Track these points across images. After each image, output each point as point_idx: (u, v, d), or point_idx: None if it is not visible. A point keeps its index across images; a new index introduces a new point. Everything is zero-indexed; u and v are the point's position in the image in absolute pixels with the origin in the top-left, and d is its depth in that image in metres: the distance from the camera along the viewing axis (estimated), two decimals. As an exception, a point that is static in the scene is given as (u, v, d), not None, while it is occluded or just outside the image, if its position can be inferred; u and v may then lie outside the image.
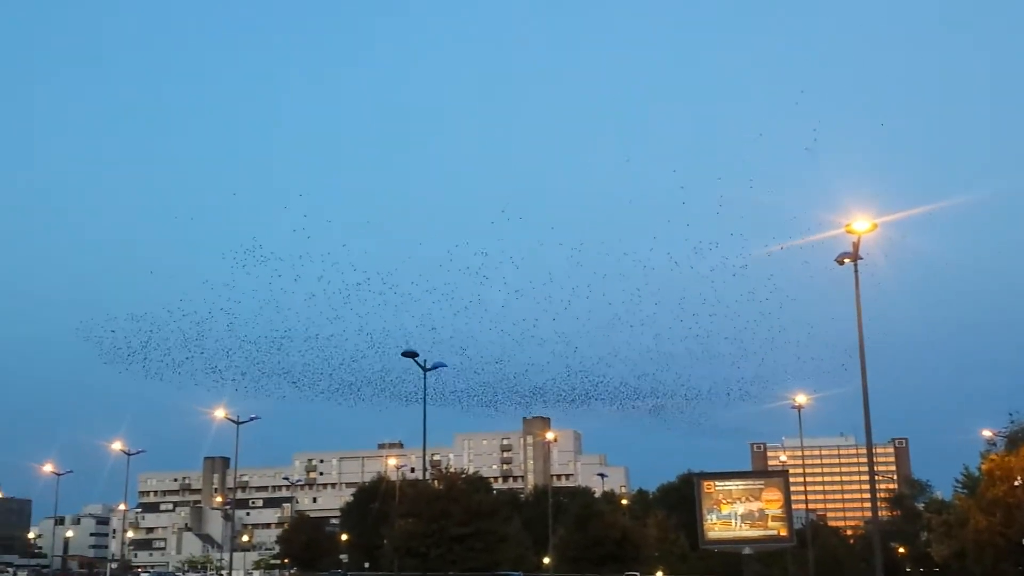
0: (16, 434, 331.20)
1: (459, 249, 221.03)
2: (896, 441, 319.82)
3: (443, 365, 59.80)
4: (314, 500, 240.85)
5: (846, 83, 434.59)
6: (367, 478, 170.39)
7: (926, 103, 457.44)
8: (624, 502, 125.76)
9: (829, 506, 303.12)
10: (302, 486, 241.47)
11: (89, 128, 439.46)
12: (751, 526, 56.30)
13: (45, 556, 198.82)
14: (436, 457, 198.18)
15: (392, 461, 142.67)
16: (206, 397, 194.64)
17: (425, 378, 55.68)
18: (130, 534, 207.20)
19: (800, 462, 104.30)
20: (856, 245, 35.13)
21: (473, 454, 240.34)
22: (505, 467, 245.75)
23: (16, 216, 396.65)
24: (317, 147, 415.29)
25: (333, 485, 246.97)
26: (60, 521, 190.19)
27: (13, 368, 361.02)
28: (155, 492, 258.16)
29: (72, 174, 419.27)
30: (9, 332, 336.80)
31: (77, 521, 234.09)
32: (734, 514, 56.56)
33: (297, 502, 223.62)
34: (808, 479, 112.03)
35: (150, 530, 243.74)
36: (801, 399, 73.03)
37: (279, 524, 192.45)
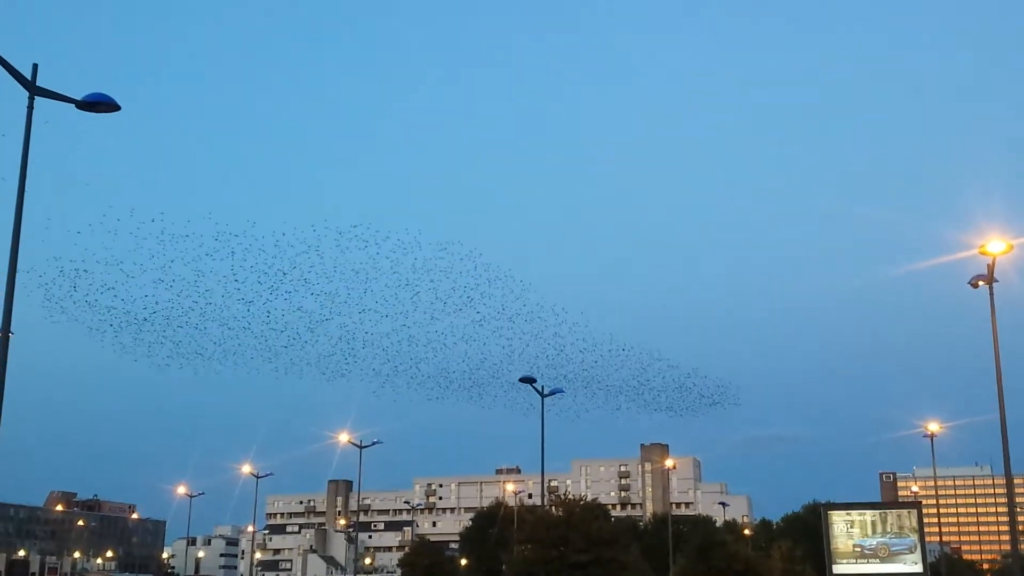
0: (153, 456, 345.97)
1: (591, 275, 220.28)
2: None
3: (560, 391, 59.77)
4: (433, 524, 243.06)
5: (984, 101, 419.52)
6: (485, 503, 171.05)
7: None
8: (747, 532, 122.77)
9: (964, 539, 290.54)
10: (422, 510, 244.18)
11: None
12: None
13: None
14: (553, 483, 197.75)
15: (510, 487, 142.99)
16: (331, 419, 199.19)
17: (543, 404, 55.79)
18: (258, 555, 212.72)
19: (933, 493, 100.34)
20: (991, 267, 33.78)
21: (591, 480, 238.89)
22: (623, 494, 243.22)
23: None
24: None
25: (452, 509, 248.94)
26: (192, 542, 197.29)
27: (149, 391, 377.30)
28: (282, 514, 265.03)
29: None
30: (148, 358, 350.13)
31: (208, 542, 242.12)
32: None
33: (417, 526, 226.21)
34: (942, 511, 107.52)
35: (277, 551, 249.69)
36: (934, 427, 70.29)
37: (400, 547, 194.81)
